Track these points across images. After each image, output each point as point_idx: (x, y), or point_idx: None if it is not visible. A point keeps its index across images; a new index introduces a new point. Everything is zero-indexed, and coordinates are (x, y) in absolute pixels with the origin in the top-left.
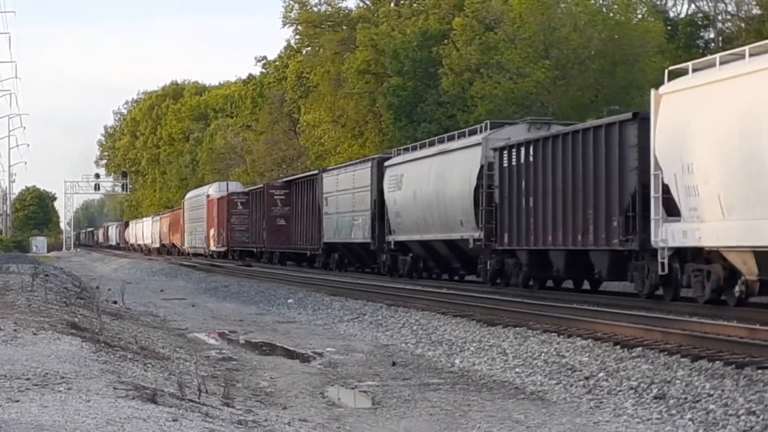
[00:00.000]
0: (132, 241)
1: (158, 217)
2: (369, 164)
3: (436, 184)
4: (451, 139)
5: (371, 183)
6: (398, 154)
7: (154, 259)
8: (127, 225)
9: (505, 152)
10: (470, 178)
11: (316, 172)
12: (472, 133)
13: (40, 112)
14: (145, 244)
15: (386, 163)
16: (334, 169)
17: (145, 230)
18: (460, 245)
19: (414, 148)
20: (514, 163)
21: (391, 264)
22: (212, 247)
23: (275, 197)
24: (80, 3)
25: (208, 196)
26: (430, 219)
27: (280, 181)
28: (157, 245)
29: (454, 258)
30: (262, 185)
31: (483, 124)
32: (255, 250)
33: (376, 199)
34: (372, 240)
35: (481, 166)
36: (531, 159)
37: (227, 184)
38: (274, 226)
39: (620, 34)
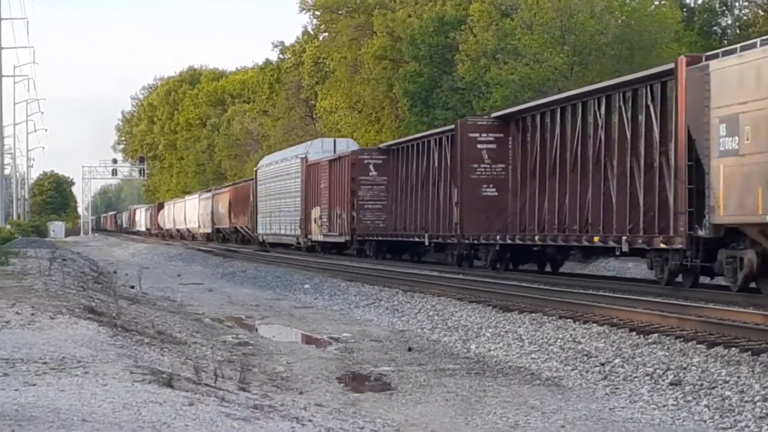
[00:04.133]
0: (168, 225)
1: (209, 194)
2: None
3: None
4: None
5: None
6: None
7: (171, 244)
8: (161, 207)
9: None
10: None
11: (667, 67)
12: None
13: (58, 98)
14: (188, 230)
15: None
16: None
17: (189, 212)
18: None
19: None
20: None
21: None
22: (316, 236)
23: (479, 147)
24: None
25: (305, 159)
26: None
27: (485, 117)
28: (208, 230)
29: None
30: (450, 127)
31: None
32: (428, 240)
33: None
34: None
35: None
36: None
37: (334, 141)
38: (476, 198)
39: (637, 21)
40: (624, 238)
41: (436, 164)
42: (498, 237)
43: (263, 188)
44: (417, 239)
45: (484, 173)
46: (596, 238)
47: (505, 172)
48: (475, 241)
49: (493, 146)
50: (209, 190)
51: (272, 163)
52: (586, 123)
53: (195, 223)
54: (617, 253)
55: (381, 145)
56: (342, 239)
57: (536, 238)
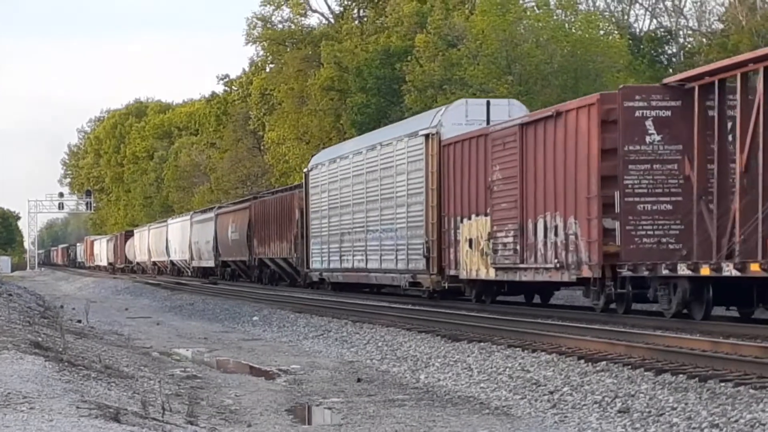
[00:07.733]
0: (139, 258)
1: (210, 214)
2: None
3: None
4: None
5: None
6: None
7: (119, 278)
8: (129, 235)
9: None
10: None
11: None
12: None
13: (3, 131)
14: (172, 263)
15: None
16: None
17: (174, 240)
18: None
19: None
20: None
21: None
22: (471, 270)
23: None
24: (42, 19)
25: (434, 136)
26: None
27: None
28: (209, 263)
29: None
30: None
31: None
32: None
33: None
34: None
35: None
36: None
37: (487, 103)
38: None
39: (583, 50)
40: None
41: None
42: None
43: (324, 197)
44: None
45: None
46: None
47: None
48: None
49: None
50: (210, 209)
51: (347, 155)
52: None
53: (185, 254)
54: None
55: (667, 80)
56: (567, 276)
57: None
